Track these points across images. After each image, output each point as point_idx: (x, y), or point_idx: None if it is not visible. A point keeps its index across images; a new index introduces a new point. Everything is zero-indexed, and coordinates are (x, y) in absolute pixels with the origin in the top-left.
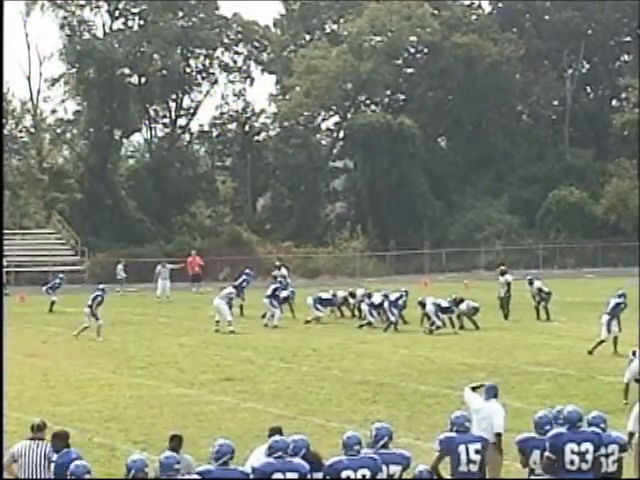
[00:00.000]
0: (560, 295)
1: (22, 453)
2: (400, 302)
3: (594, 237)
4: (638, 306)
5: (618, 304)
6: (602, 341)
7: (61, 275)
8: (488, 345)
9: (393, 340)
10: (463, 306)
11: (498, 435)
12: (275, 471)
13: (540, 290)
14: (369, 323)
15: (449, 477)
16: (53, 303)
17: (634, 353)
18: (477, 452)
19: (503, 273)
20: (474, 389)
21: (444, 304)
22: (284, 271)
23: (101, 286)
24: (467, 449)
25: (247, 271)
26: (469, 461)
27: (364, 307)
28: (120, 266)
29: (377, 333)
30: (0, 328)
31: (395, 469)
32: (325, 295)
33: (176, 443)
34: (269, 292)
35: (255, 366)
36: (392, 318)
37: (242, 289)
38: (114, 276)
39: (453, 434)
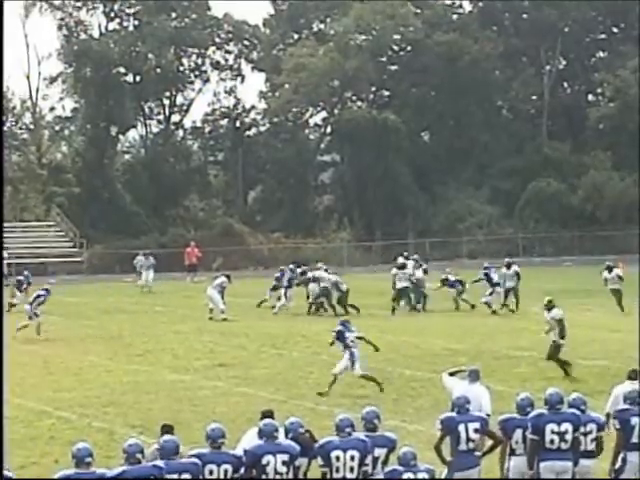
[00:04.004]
0: (540, 283)
1: None
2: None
3: (571, 227)
4: (638, 293)
5: None
6: None
7: (25, 272)
8: (470, 330)
9: (379, 326)
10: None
11: (487, 416)
12: (266, 453)
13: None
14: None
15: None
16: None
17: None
18: (476, 431)
19: (509, 266)
20: (452, 374)
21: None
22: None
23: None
24: (467, 428)
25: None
26: (468, 439)
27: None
28: (140, 257)
29: (363, 319)
30: (0, 321)
31: (380, 452)
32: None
33: (167, 431)
34: (285, 282)
35: (247, 352)
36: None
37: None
38: (111, 267)
39: (453, 414)
